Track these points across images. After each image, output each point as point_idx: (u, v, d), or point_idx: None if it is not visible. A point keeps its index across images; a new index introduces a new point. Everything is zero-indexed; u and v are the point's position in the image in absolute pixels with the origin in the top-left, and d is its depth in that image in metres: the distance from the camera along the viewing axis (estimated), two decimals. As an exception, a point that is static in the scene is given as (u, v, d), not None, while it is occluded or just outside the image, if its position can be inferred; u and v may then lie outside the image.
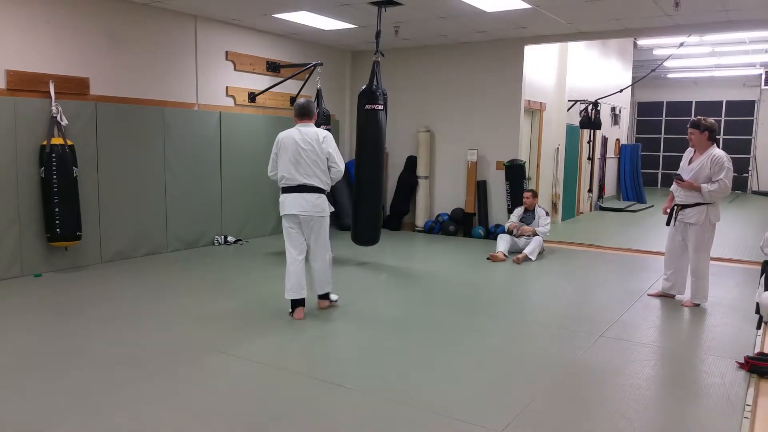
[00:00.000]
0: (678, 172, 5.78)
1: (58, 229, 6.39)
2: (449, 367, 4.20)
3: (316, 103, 8.41)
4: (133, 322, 4.98)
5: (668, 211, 5.90)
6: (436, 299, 6.02)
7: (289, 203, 5.09)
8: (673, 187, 5.83)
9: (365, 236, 7.22)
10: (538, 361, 4.34)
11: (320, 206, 5.08)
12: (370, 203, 7.12)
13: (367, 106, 7.18)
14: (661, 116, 19.94)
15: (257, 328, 4.94)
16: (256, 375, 3.97)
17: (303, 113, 5.22)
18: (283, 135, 5.23)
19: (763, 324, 2.53)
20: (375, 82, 7.25)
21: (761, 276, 2.69)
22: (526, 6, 7.15)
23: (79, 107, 6.72)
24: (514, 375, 4.08)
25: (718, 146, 5.78)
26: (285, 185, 5.13)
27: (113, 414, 3.35)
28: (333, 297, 5.49)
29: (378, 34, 7.34)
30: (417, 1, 7.02)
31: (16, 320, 5.00)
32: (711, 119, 5.71)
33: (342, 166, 5.19)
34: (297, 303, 5.12)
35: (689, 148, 5.82)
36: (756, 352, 4.31)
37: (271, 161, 5.29)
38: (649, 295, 6.12)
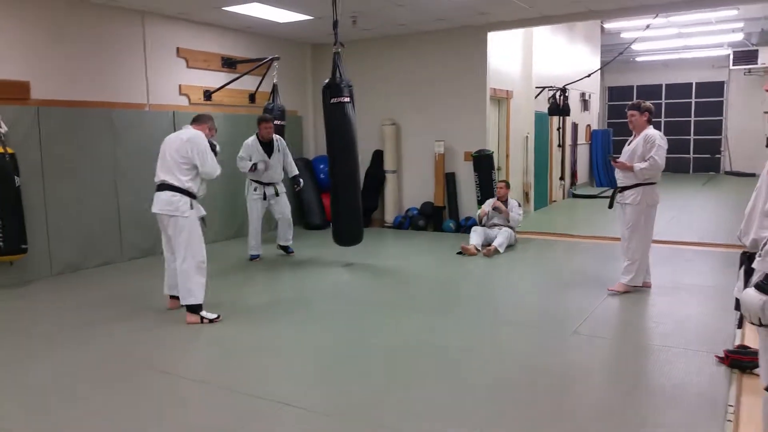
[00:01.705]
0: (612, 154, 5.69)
1: (1, 243, 6.03)
2: (408, 372, 3.96)
3: (271, 98, 8.15)
4: (68, 339, 4.66)
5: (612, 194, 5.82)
6: (401, 299, 5.79)
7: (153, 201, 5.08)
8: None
9: (348, 235, 6.93)
10: (506, 363, 4.12)
11: (173, 204, 4.91)
12: (350, 200, 6.79)
13: (333, 100, 6.88)
14: (632, 100, 19.85)
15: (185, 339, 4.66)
16: (194, 394, 3.69)
17: (192, 120, 5.31)
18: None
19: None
20: (338, 75, 6.98)
21: (740, 268, 2.45)
22: (486, -9, 6.91)
23: (19, 113, 6.35)
24: (479, 379, 3.85)
25: (663, 128, 5.63)
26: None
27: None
28: (208, 315, 4.99)
29: (335, 24, 7.02)
30: (372, -12, 6.75)
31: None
32: (649, 102, 5.71)
33: (208, 168, 5.02)
34: (172, 296, 5.31)
35: (633, 133, 5.72)
36: (736, 344, 4.10)
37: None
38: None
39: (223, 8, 7.52)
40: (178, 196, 4.92)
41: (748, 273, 2.36)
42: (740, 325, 2.47)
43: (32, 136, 6.47)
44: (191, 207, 4.95)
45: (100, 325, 4.98)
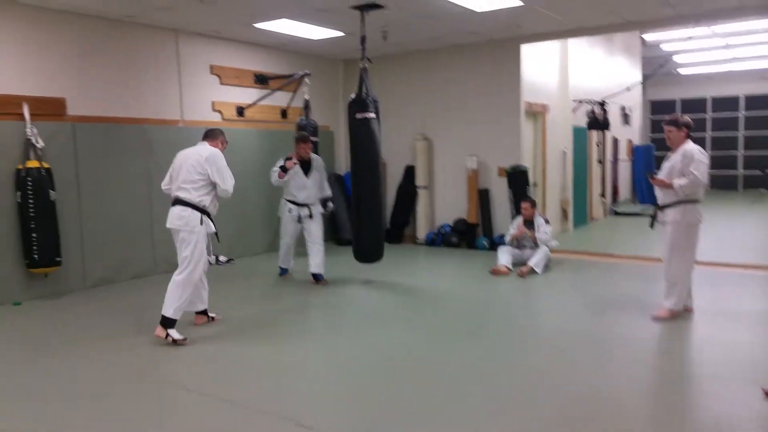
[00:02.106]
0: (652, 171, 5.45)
1: (36, 255, 6.17)
2: (431, 398, 3.82)
3: (303, 114, 8.20)
4: (91, 351, 4.70)
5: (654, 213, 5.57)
6: (427, 318, 5.66)
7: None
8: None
9: (368, 253, 6.89)
10: (536, 391, 3.89)
11: (183, 219, 4.99)
12: (371, 217, 6.77)
13: (358, 115, 6.90)
14: (676, 114, 19.35)
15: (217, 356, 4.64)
16: (215, 411, 3.66)
17: (204, 136, 5.39)
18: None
19: None
20: (364, 90, 6.99)
21: None
22: (518, 3, 6.83)
23: (56, 128, 6.52)
24: (507, 408, 3.67)
25: (702, 143, 5.39)
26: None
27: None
28: (174, 335, 4.84)
29: (363, 40, 7.06)
30: (400, 2, 6.73)
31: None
32: (687, 117, 5.49)
33: (228, 186, 5.09)
34: (197, 312, 5.42)
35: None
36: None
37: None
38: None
39: (255, 25, 7.61)
40: (188, 210, 4.97)
41: None
42: None
43: (68, 152, 6.63)
44: (201, 223, 4.98)
45: (125, 338, 5.04)
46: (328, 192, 7.20)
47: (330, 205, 7.20)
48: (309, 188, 6.91)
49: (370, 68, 6.92)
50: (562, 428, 3.31)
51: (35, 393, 3.92)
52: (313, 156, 6.99)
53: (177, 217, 5.00)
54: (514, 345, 4.84)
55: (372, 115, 6.83)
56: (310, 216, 6.93)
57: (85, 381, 4.12)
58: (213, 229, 5.12)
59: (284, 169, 6.67)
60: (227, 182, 5.05)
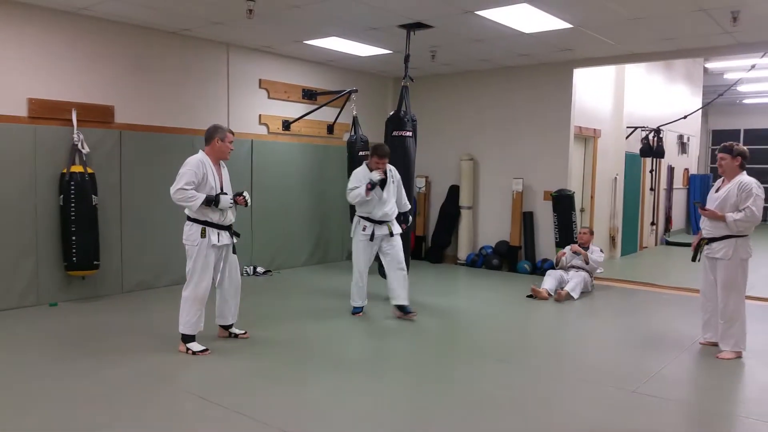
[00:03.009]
0: (700, 201, 5.16)
1: (74, 258, 6.30)
2: (441, 418, 3.70)
3: (353, 130, 8.20)
4: (124, 358, 4.72)
5: (695, 245, 5.26)
6: (458, 340, 5.53)
7: None
8: (702, 218, 5.21)
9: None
10: (553, 422, 3.77)
11: (186, 233, 4.94)
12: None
13: (395, 133, 6.90)
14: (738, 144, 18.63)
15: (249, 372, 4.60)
16: (229, 426, 3.61)
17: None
18: None
19: None
20: (403, 108, 6.96)
21: None
22: (567, 26, 6.67)
23: (103, 135, 6.67)
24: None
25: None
26: None
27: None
28: (193, 347, 4.85)
29: (407, 58, 7.06)
30: (448, 24, 6.66)
31: (11, 352, 4.84)
32: (743, 146, 5.16)
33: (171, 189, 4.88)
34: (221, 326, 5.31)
35: (720, 177, 5.22)
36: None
37: None
38: (701, 343, 5.42)
39: (305, 42, 7.65)
40: (189, 224, 4.88)
41: None
42: None
43: (113, 158, 6.77)
44: (203, 235, 4.82)
45: (154, 344, 5.06)
46: (408, 205, 6.46)
47: (409, 218, 6.49)
48: (387, 203, 6.11)
49: (416, 86, 6.90)
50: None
51: (59, 394, 3.95)
52: (390, 167, 6.21)
53: (183, 231, 4.92)
54: (541, 374, 4.63)
55: (409, 133, 6.79)
56: (390, 234, 6.14)
57: (107, 385, 4.12)
58: (225, 240, 4.94)
59: (373, 185, 5.95)
60: (174, 185, 4.78)
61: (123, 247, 6.90)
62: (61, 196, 6.27)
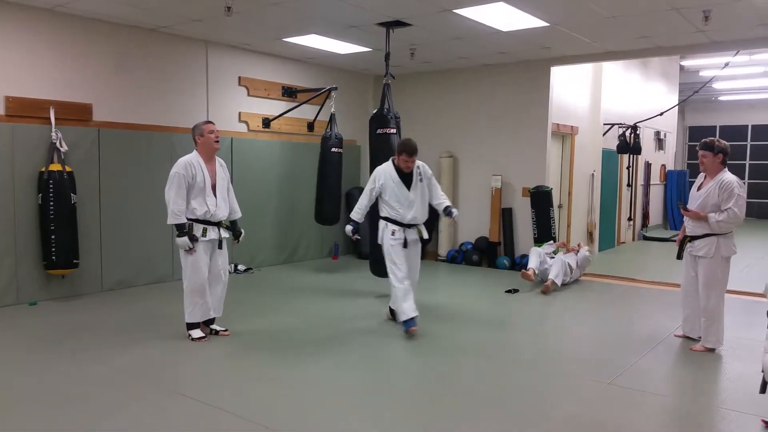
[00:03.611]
0: (681, 201, 5.21)
1: (54, 257, 6.27)
2: (429, 413, 3.77)
3: (329, 127, 8.25)
4: (105, 356, 4.73)
5: (679, 242, 5.34)
6: (441, 336, 5.57)
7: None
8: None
9: (383, 267, 6.82)
10: (532, 414, 3.83)
11: None
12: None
13: (379, 131, 6.93)
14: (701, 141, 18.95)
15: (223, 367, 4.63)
16: (205, 420, 3.64)
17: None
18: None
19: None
20: (386, 106, 7.00)
21: None
22: (544, 24, 6.75)
23: (81, 133, 6.64)
24: (500, 424, 3.61)
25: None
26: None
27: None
28: (193, 334, 5.20)
29: (387, 56, 7.10)
30: (427, 22, 6.71)
31: (-10, 352, 4.83)
32: (724, 141, 5.15)
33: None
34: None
35: (701, 173, 5.25)
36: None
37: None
38: (675, 335, 5.54)
39: (284, 39, 7.66)
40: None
41: None
42: (763, 390, 2.20)
43: (92, 156, 6.74)
44: (182, 231, 4.95)
45: (135, 342, 5.07)
46: (446, 200, 5.77)
47: (453, 211, 5.66)
48: (415, 204, 5.50)
49: (397, 84, 6.94)
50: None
51: (42, 393, 3.95)
52: (419, 164, 5.58)
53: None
54: (519, 366, 4.72)
55: (393, 130, 6.82)
56: (421, 239, 5.65)
57: (89, 383, 4.14)
58: (212, 235, 5.08)
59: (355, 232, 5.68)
60: (167, 190, 4.98)
61: (102, 246, 6.87)
62: (40, 194, 6.23)
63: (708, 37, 7.28)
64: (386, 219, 5.52)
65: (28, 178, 6.24)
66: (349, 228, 5.70)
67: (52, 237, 6.24)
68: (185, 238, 4.95)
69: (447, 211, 5.64)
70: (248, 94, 8.41)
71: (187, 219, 4.97)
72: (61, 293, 6.52)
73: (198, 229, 5.01)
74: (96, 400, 3.89)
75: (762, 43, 7.61)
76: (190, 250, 5.00)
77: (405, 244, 5.47)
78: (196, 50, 7.75)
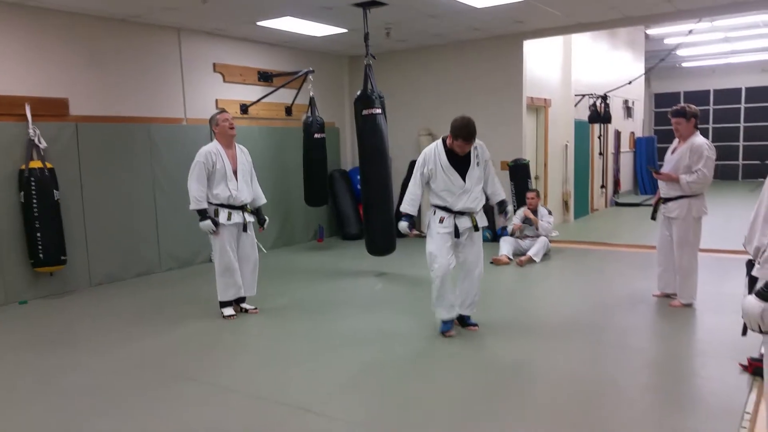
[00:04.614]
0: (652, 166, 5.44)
1: (41, 255, 6.21)
2: (423, 384, 3.90)
3: (309, 111, 8.27)
4: (103, 348, 4.75)
5: (654, 204, 5.59)
6: (424, 311, 5.68)
7: None
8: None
9: (381, 246, 7.01)
10: (527, 374, 4.05)
11: None
12: (383, 211, 6.90)
13: (365, 112, 6.95)
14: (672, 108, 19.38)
15: (230, 352, 4.69)
16: (221, 402, 3.71)
17: None
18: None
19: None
20: (370, 86, 7.01)
21: (746, 276, 2.38)
22: (517, -1, 6.83)
23: (58, 129, 6.55)
24: (500, 390, 3.79)
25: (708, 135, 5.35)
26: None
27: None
28: (224, 312, 5.51)
29: (366, 37, 7.09)
30: (402, 0, 6.73)
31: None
32: (694, 106, 5.38)
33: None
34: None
35: (676, 138, 5.47)
36: (760, 353, 3.95)
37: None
38: (654, 295, 5.77)
39: (258, 23, 7.61)
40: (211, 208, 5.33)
41: (753, 280, 2.29)
42: (744, 332, 2.42)
43: (71, 151, 6.66)
44: (215, 216, 5.29)
45: (130, 334, 5.09)
46: (502, 193, 4.99)
47: (509, 209, 5.00)
48: (470, 192, 4.68)
49: (374, 64, 6.94)
50: (545, 403, 3.37)
51: (45, 390, 3.97)
52: (477, 144, 4.72)
53: None
54: (508, 331, 4.94)
55: (378, 110, 6.86)
56: (475, 228, 4.77)
57: (93, 376, 4.17)
58: (236, 219, 5.36)
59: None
60: (189, 180, 5.32)
61: (88, 241, 6.82)
62: (22, 192, 6.15)
63: (674, 6, 7.45)
64: (434, 206, 4.80)
65: (8, 176, 6.14)
66: (403, 224, 4.81)
67: (38, 235, 6.18)
68: (208, 222, 5.26)
69: (502, 208, 4.94)
70: (224, 81, 8.35)
71: (213, 204, 5.27)
72: (50, 291, 6.47)
73: (224, 214, 5.29)
74: (104, 392, 3.92)
75: (724, 10, 7.80)
76: (214, 233, 5.27)
77: (457, 234, 4.70)
78: (169, 38, 7.66)
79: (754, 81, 17.91)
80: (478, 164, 4.69)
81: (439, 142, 4.72)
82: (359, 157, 6.94)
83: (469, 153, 4.64)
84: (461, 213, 4.69)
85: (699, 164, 5.13)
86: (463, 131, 4.51)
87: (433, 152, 4.70)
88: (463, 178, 4.63)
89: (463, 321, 4.98)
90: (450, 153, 4.64)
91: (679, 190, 5.26)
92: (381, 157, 6.82)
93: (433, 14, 7.43)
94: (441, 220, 4.71)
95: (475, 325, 4.96)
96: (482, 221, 4.82)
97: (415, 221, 4.86)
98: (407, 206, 4.83)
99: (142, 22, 7.26)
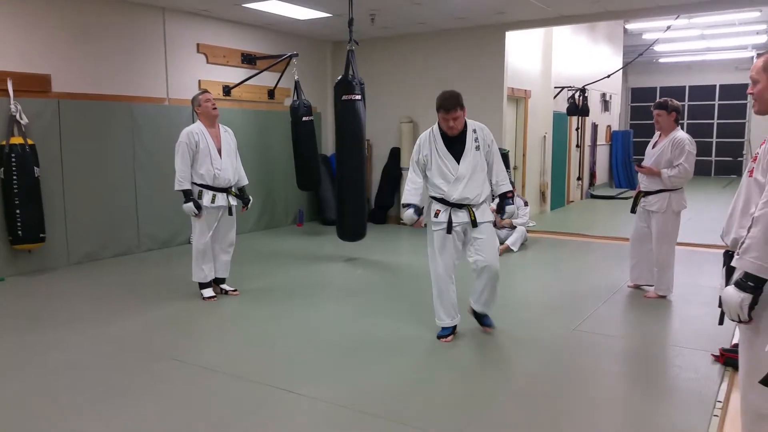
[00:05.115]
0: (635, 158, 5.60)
1: (20, 232, 6.18)
2: (400, 371, 3.99)
3: (295, 95, 8.28)
4: (84, 326, 4.77)
5: (635, 197, 5.71)
6: (407, 294, 5.80)
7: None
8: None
9: (350, 231, 7.08)
10: (504, 361, 4.17)
11: None
12: (354, 197, 6.97)
13: (344, 97, 6.98)
14: (655, 101, 19.68)
15: (208, 332, 4.75)
16: (204, 382, 3.77)
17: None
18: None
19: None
20: (351, 72, 7.05)
21: (723, 267, 2.49)
22: (502, -11, 6.92)
23: (40, 105, 6.50)
24: (477, 376, 3.90)
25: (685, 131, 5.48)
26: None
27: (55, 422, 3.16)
28: (204, 293, 5.56)
29: (350, 22, 7.10)
30: (388, -14, 6.78)
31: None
32: (676, 101, 5.47)
33: None
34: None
35: (657, 132, 5.59)
36: (732, 343, 4.10)
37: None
38: (629, 286, 5.92)
39: (243, 5, 7.60)
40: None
41: (730, 271, 2.39)
42: (721, 322, 2.52)
43: (53, 128, 6.61)
44: (198, 197, 5.32)
45: (109, 312, 5.12)
46: (507, 185, 4.46)
47: (509, 210, 4.39)
48: (466, 180, 4.24)
49: (357, 50, 6.98)
50: (518, 390, 3.49)
51: (22, 366, 3.99)
52: (476, 126, 4.37)
53: None
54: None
55: (358, 97, 6.90)
56: (474, 224, 4.27)
57: (74, 353, 4.20)
58: (220, 202, 5.38)
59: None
60: (176, 161, 5.34)
61: (67, 219, 6.80)
62: (2, 168, 6.11)
63: (654, 2, 7.59)
64: (431, 198, 4.40)
65: (-11, 151, 6.10)
66: (408, 213, 4.35)
67: (17, 212, 6.14)
68: (190, 204, 5.27)
69: (501, 207, 4.43)
70: (207, 62, 8.32)
71: (197, 184, 5.27)
72: (28, 268, 6.45)
73: (207, 196, 5.30)
74: (86, 370, 3.96)
75: (703, 7, 7.97)
76: (197, 216, 5.28)
77: (449, 229, 4.27)
78: (153, 17, 7.61)
79: (728, 79, 18.25)
80: (477, 148, 4.27)
81: (435, 126, 4.40)
82: (335, 142, 7.00)
83: (465, 136, 4.32)
84: (459, 206, 4.25)
85: (680, 159, 5.23)
86: (444, 102, 4.20)
87: (428, 137, 4.36)
88: (458, 162, 4.25)
89: (480, 320, 4.68)
90: (446, 136, 4.30)
91: (659, 184, 5.36)
92: (357, 142, 6.87)
93: (418, 2, 7.48)
94: (436, 214, 4.31)
95: (491, 326, 4.63)
96: (483, 216, 4.31)
97: (421, 210, 4.42)
98: (408, 195, 4.39)
99: (127, 1, 7.21)
